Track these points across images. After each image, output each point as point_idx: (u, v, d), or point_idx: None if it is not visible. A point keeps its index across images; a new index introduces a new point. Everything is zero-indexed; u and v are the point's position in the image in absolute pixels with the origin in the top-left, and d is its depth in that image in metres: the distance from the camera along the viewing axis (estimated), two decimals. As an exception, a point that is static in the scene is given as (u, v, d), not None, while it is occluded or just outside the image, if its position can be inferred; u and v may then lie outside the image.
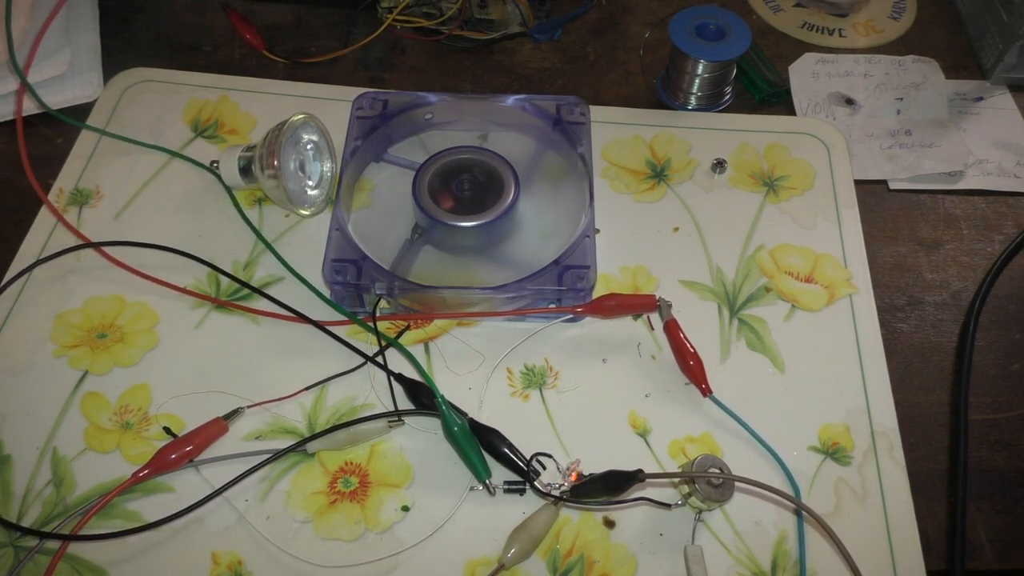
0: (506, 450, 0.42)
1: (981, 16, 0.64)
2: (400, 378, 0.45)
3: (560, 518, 0.41)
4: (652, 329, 0.48)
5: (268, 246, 0.50)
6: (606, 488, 0.40)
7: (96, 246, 0.50)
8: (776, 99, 0.61)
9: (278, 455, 0.42)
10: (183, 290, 0.49)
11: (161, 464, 0.41)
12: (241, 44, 0.63)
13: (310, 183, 0.52)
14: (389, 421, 0.43)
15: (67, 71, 0.58)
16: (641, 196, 0.54)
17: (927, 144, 0.58)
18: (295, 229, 0.52)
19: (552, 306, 0.47)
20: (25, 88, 0.56)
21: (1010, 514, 0.43)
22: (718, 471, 0.39)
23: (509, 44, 0.64)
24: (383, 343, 0.46)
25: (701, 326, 0.48)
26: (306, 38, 0.64)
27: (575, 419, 0.45)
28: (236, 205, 0.52)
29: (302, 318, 0.47)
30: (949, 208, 0.56)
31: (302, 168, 0.51)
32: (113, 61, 0.61)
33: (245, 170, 0.51)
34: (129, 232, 0.51)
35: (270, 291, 0.49)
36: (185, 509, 0.41)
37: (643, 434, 0.44)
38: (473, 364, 0.46)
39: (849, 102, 0.61)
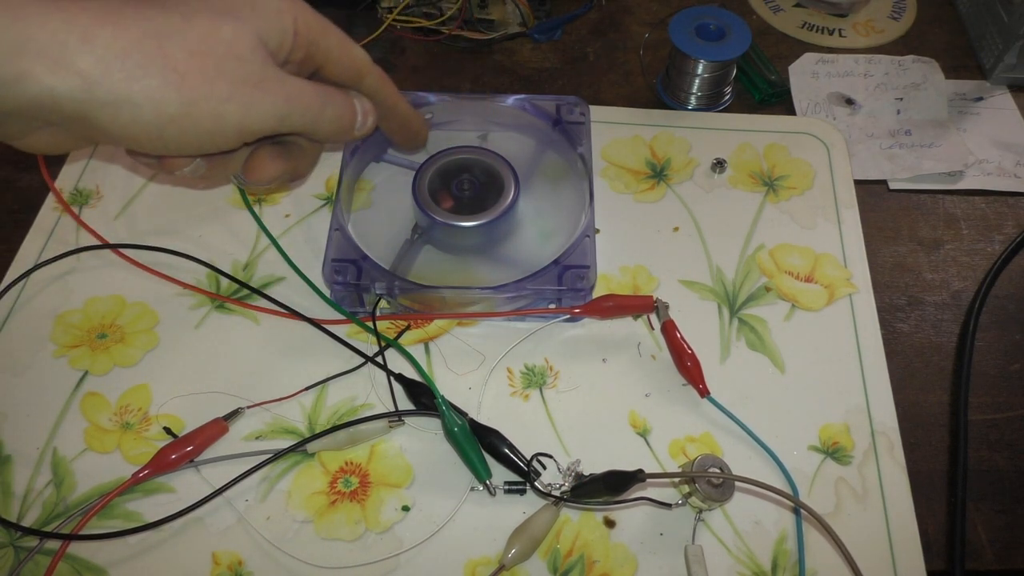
0: (506, 450, 0.42)
1: (981, 16, 0.64)
2: (400, 378, 0.45)
3: (560, 518, 0.41)
4: (652, 329, 0.48)
5: (272, 239, 0.50)
6: (606, 488, 0.40)
7: (114, 247, 0.50)
8: (776, 99, 0.61)
9: (278, 455, 0.42)
10: (194, 288, 0.49)
11: (161, 464, 0.41)
12: (241, 44, 0.63)
13: None
14: (389, 421, 0.43)
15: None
16: (641, 196, 0.54)
17: (927, 144, 0.58)
18: (295, 229, 0.52)
19: (551, 306, 0.47)
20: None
21: (1010, 514, 0.43)
22: (718, 471, 0.39)
23: (509, 44, 0.64)
24: (383, 343, 0.46)
25: (701, 326, 0.48)
26: (306, 38, 0.64)
27: (575, 419, 0.45)
28: (245, 199, 0.52)
29: (302, 318, 0.47)
30: (949, 208, 0.56)
31: None
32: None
33: None
34: (128, 233, 0.51)
35: (270, 292, 0.49)
36: (185, 509, 0.41)
37: (643, 434, 0.44)
38: (473, 364, 0.46)
39: (849, 102, 0.61)
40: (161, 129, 0.31)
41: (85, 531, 0.40)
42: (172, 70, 0.31)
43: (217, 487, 0.41)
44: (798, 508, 0.42)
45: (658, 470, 0.43)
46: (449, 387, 0.45)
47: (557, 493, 0.41)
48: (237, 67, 0.32)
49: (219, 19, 0.32)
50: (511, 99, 0.53)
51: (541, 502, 0.41)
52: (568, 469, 0.42)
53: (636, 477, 0.38)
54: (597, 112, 0.57)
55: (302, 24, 0.35)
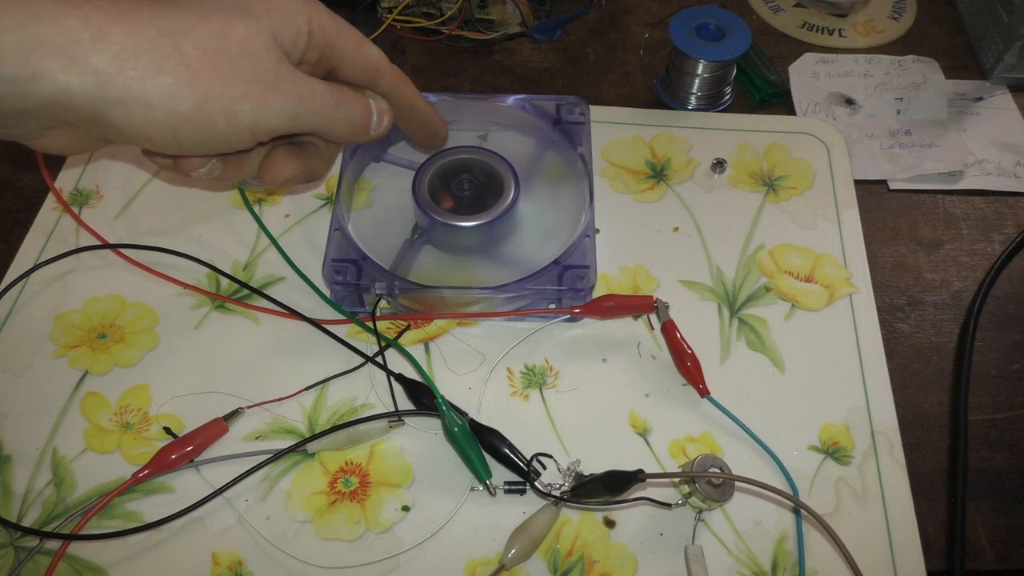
0: (506, 450, 0.42)
1: (981, 16, 0.64)
2: (400, 378, 0.45)
3: (560, 518, 0.41)
4: (652, 329, 0.48)
5: (272, 239, 0.50)
6: (606, 488, 0.40)
7: (114, 247, 0.50)
8: (776, 99, 0.61)
9: (278, 455, 0.42)
10: (194, 288, 0.49)
11: (161, 464, 0.41)
12: (241, 44, 0.63)
13: None
14: (389, 421, 0.43)
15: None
16: (641, 196, 0.54)
17: (927, 144, 0.58)
18: (295, 229, 0.52)
19: (551, 306, 0.47)
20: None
21: (1010, 514, 0.43)
22: (718, 471, 0.39)
23: (509, 44, 0.64)
24: (383, 343, 0.46)
25: (701, 326, 0.48)
26: (306, 38, 0.64)
27: (575, 419, 0.45)
28: (244, 199, 0.52)
29: (302, 318, 0.47)
30: (949, 208, 0.56)
31: None
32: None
33: None
34: (128, 233, 0.51)
35: (270, 292, 0.49)
36: (185, 509, 0.41)
37: (643, 434, 0.44)
38: (473, 364, 0.46)
39: (849, 102, 0.61)
40: (175, 128, 0.31)
41: (85, 531, 0.40)
42: (186, 68, 0.31)
43: (217, 487, 0.41)
44: (798, 508, 0.42)
45: (658, 470, 0.43)
46: (449, 387, 0.45)
47: (557, 493, 0.41)
48: (251, 66, 0.32)
49: (233, 18, 0.32)
50: (511, 99, 0.53)
51: (541, 502, 0.41)
52: (568, 469, 0.42)
53: (636, 477, 0.38)
54: (597, 112, 0.57)
55: (316, 24, 0.35)
